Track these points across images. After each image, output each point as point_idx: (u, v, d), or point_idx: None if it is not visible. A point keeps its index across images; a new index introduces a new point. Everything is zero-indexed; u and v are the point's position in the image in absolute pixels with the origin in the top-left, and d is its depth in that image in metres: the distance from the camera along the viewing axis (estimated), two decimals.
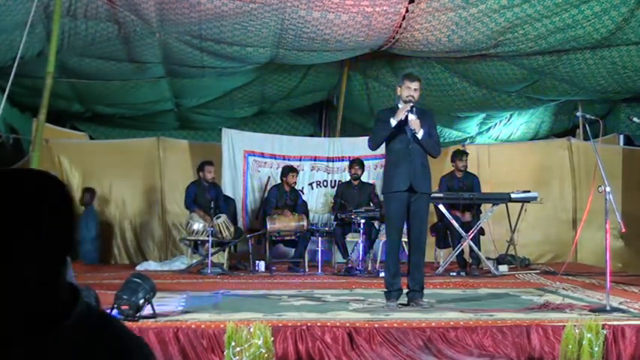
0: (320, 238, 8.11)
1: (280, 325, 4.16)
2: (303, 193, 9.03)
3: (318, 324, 4.20)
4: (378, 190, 8.42)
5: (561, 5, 6.42)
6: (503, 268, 7.84)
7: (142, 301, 4.36)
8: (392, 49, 7.77)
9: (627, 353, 4.16)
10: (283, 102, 10.68)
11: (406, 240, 5.77)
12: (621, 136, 9.72)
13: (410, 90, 5.22)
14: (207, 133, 11.31)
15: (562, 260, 7.97)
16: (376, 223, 7.92)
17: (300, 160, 9.35)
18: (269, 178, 9.07)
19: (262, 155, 9.29)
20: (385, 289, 5.25)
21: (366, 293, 5.93)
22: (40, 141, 6.04)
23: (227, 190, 8.71)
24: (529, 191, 7.88)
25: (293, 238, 8.06)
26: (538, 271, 7.85)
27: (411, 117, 5.20)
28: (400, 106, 5.27)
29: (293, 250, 8.24)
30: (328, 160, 9.51)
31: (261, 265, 7.98)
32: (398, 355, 4.07)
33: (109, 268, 8.39)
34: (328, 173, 9.51)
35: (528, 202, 7.88)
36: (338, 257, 8.41)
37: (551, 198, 8.94)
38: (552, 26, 6.78)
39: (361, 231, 7.62)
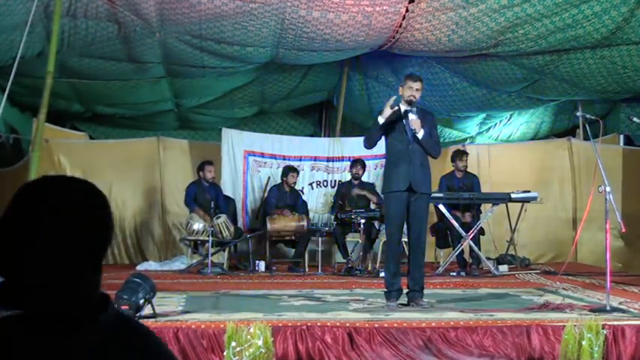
0: (320, 238, 8.10)
1: (280, 325, 4.16)
2: (303, 193, 9.04)
3: (318, 324, 4.20)
4: (378, 190, 8.42)
5: (561, 5, 6.42)
6: (504, 268, 7.84)
7: (142, 301, 4.36)
8: (392, 49, 7.77)
9: (627, 353, 4.16)
10: (283, 102, 10.67)
11: (406, 240, 5.78)
12: (621, 136, 9.71)
13: (412, 90, 5.24)
14: (207, 133, 11.30)
15: (562, 260, 7.97)
16: (376, 223, 7.92)
17: (300, 160, 9.35)
18: (269, 178, 9.07)
19: (262, 155, 9.29)
20: (385, 289, 5.25)
21: (366, 293, 5.93)
22: (40, 141, 6.04)
23: (227, 190, 8.71)
24: (529, 191, 7.88)
25: (293, 238, 8.06)
26: (538, 271, 7.85)
27: (412, 117, 5.21)
28: (401, 106, 5.28)
29: (293, 250, 8.24)
30: (328, 160, 9.51)
31: (261, 265, 7.98)
32: (398, 355, 4.07)
33: (109, 268, 8.39)
34: (328, 173, 9.51)
35: (528, 202, 7.88)
36: (338, 257, 8.41)
37: (551, 198, 8.94)
38: (552, 26, 6.77)
39: (361, 231, 7.62)
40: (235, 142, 9.13)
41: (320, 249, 8.04)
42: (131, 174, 9.14)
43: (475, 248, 7.62)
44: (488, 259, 7.94)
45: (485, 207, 8.20)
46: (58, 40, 6.09)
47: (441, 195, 7.63)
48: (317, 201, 9.36)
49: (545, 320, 4.38)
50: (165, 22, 6.86)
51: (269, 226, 7.83)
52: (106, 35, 7.11)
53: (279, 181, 8.63)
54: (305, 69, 9.58)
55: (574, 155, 9.31)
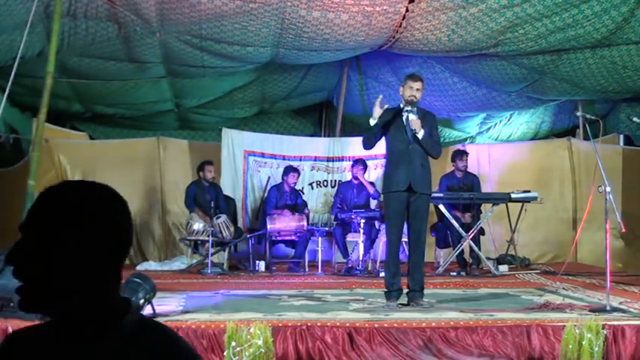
0: (320, 238, 8.11)
1: (280, 325, 4.16)
2: (303, 193, 9.04)
3: (318, 324, 4.20)
4: (379, 189, 8.42)
5: (561, 5, 6.42)
6: (504, 268, 7.84)
7: (142, 301, 4.36)
8: (392, 49, 7.77)
9: (627, 353, 4.16)
10: (283, 102, 10.67)
11: (406, 240, 5.78)
12: (621, 136, 9.71)
13: (412, 90, 5.24)
14: (207, 133, 11.30)
15: (562, 260, 7.97)
16: (376, 223, 7.92)
17: (300, 160, 9.35)
18: (269, 178, 9.07)
19: (262, 155, 9.29)
20: (385, 289, 5.25)
21: (366, 293, 5.93)
22: (40, 141, 6.03)
23: (227, 190, 8.71)
24: (529, 191, 7.88)
25: (293, 238, 8.06)
26: (538, 271, 7.85)
27: (412, 117, 5.21)
28: (402, 106, 5.28)
29: (293, 250, 8.24)
30: (328, 160, 9.51)
31: (261, 265, 7.98)
32: (398, 355, 4.07)
33: None
34: (328, 173, 9.51)
35: (528, 202, 7.88)
36: (338, 257, 8.42)
37: (551, 198, 8.94)
38: (552, 26, 6.77)
39: (361, 231, 7.62)
40: (235, 142, 9.13)
41: (320, 249, 8.04)
42: (131, 174, 9.14)
43: (475, 248, 7.63)
44: (488, 259, 7.94)
45: (486, 207, 8.20)
46: (58, 40, 6.08)
47: (441, 195, 7.63)
48: (317, 201, 9.36)
49: (545, 320, 4.38)
50: (165, 21, 6.86)
51: (269, 226, 7.83)
52: (106, 35, 7.11)
53: (279, 181, 8.63)
54: (305, 69, 9.58)
55: (574, 155, 9.31)
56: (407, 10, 6.57)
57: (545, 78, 8.33)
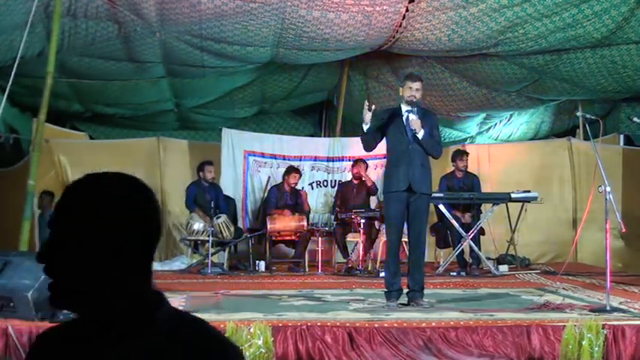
0: (320, 238, 8.10)
1: (280, 325, 4.16)
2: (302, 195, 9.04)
3: (318, 324, 4.20)
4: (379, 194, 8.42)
5: (561, 4, 6.42)
6: (504, 268, 7.84)
7: None
8: (392, 49, 7.77)
9: (627, 353, 4.15)
10: (283, 102, 10.67)
11: (406, 240, 5.78)
12: (621, 136, 9.70)
13: (411, 90, 5.23)
14: (207, 133, 11.31)
15: (562, 260, 7.96)
16: (376, 223, 7.92)
17: (300, 160, 9.35)
18: (269, 178, 9.07)
19: (262, 155, 9.29)
20: (385, 289, 5.25)
21: (366, 293, 5.93)
22: (40, 141, 6.03)
23: (227, 190, 8.70)
24: (529, 191, 7.88)
25: (293, 238, 8.05)
26: (538, 271, 7.84)
27: (412, 117, 5.21)
28: (402, 106, 5.28)
29: (293, 250, 8.24)
30: (328, 160, 9.51)
31: (261, 265, 7.98)
32: (398, 355, 4.07)
33: None
34: (328, 173, 9.51)
35: (528, 202, 7.88)
36: (338, 257, 8.41)
37: (551, 198, 8.94)
38: (552, 25, 6.77)
39: (361, 231, 7.62)
40: (235, 142, 9.13)
41: (320, 249, 8.04)
42: (131, 174, 9.13)
43: (475, 248, 7.62)
44: (489, 259, 7.94)
45: (486, 207, 8.20)
46: (58, 40, 6.09)
47: (441, 195, 7.63)
48: (317, 201, 9.36)
49: (545, 320, 4.38)
50: (166, 21, 6.86)
51: (269, 226, 7.83)
52: (106, 35, 7.11)
53: (279, 181, 8.63)
54: (305, 69, 9.59)
55: (574, 155, 9.31)
56: (407, 10, 6.57)
57: (545, 78, 8.33)
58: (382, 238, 7.63)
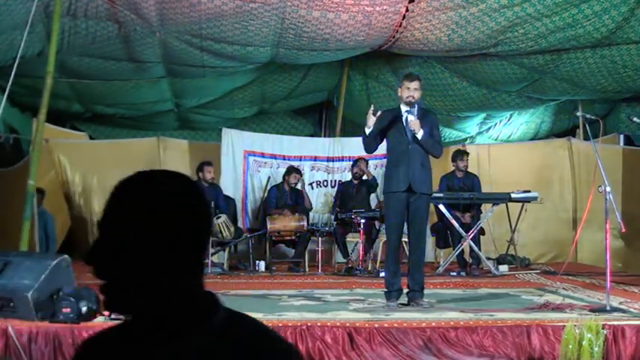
0: (320, 238, 8.10)
1: (280, 325, 4.16)
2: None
3: (318, 324, 4.20)
4: (379, 189, 8.43)
5: (561, 4, 6.42)
6: (504, 268, 7.84)
7: None
8: (392, 49, 7.77)
9: (627, 353, 4.15)
10: (283, 102, 10.67)
11: (406, 240, 5.78)
12: (621, 136, 9.70)
13: (409, 90, 5.21)
14: (207, 133, 11.31)
15: (562, 260, 7.96)
16: (376, 223, 7.92)
17: (300, 160, 9.35)
18: (269, 178, 9.07)
19: (262, 155, 9.29)
20: (385, 289, 5.24)
21: (366, 293, 5.93)
22: (40, 141, 6.03)
23: (227, 190, 8.70)
24: (529, 191, 7.88)
25: (293, 238, 8.05)
26: (538, 271, 7.84)
27: (411, 118, 5.20)
28: (402, 107, 5.28)
29: (293, 250, 8.24)
30: (328, 160, 9.51)
31: (261, 265, 7.98)
32: (398, 355, 4.07)
33: None
34: (328, 173, 9.51)
35: (528, 202, 7.88)
36: (338, 257, 8.41)
37: (551, 198, 8.94)
38: (552, 25, 6.77)
39: (361, 231, 7.62)
40: (235, 142, 9.13)
41: (320, 249, 8.04)
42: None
43: (475, 248, 7.62)
44: (489, 259, 7.94)
45: (486, 207, 8.20)
46: (58, 40, 6.08)
47: (441, 195, 7.63)
48: (317, 201, 9.36)
49: (545, 320, 4.38)
50: (165, 21, 6.86)
51: (269, 226, 7.83)
52: (106, 35, 7.11)
53: (279, 181, 8.63)
54: (305, 69, 9.59)
55: (574, 155, 9.31)
56: (407, 10, 6.57)
57: (545, 78, 8.33)
58: (382, 238, 7.63)
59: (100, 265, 1.14)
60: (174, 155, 9.38)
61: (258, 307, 5.04)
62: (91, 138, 10.40)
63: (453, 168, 8.21)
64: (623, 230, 5.01)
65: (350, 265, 7.72)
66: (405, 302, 5.20)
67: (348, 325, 4.21)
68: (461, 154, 8.18)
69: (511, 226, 8.18)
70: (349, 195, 8.45)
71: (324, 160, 9.51)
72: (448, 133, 11.15)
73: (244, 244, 8.32)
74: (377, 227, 7.93)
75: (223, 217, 7.83)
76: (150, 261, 1.11)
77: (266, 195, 8.74)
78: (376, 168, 9.20)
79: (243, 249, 8.48)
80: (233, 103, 10.33)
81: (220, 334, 1.13)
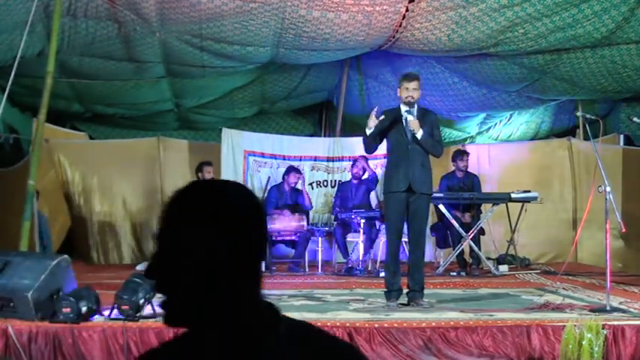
0: (320, 238, 8.10)
1: None
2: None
3: (318, 324, 4.19)
4: (379, 189, 8.42)
5: (561, 4, 6.42)
6: (504, 268, 7.84)
7: (142, 301, 4.36)
8: (392, 49, 7.77)
9: (627, 353, 4.16)
10: (283, 102, 10.67)
11: (406, 240, 5.78)
12: (621, 136, 9.70)
13: (408, 90, 5.22)
14: (207, 133, 11.30)
15: (562, 260, 7.97)
16: (376, 223, 7.92)
17: (300, 160, 9.35)
18: (269, 178, 9.07)
19: (262, 155, 9.29)
20: (385, 289, 5.24)
21: (366, 293, 5.93)
22: (40, 141, 6.02)
23: None
24: (529, 191, 7.88)
25: (293, 238, 8.06)
26: (538, 271, 7.85)
27: (410, 118, 5.21)
28: (401, 107, 5.28)
29: (293, 250, 8.24)
30: (328, 160, 9.51)
31: (261, 265, 7.96)
32: (398, 355, 4.06)
33: (109, 268, 8.39)
34: (328, 173, 9.51)
35: (528, 202, 7.88)
36: (338, 257, 8.41)
37: (551, 198, 8.94)
38: (552, 25, 6.77)
39: (361, 231, 7.62)
40: (235, 142, 9.13)
41: (320, 249, 8.04)
42: (131, 174, 9.14)
43: (475, 248, 7.63)
44: (489, 259, 7.94)
45: (486, 207, 8.20)
46: (58, 40, 6.08)
47: (441, 195, 7.63)
48: (317, 201, 9.36)
49: (545, 320, 4.38)
50: (165, 21, 6.86)
51: (269, 226, 7.83)
52: (106, 35, 7.10)
53: (279, 181, 8.63)
54: (305, 69, 9.58)
55: (574, 155, 9.31)
56: (407, 10, 6.56)
57: (545, 78, 8.33)
58: (382, 238, 7.63)
59: (162, 279, 1.10)
60: (174, 155, 9.38)
61: None
62: (91, 138, 10.40)
63: (453, 168, 8.22)
64: (623, 230, 5.02)
65: (350, 265, 7.72)
66: (405, 302, 5.20)
67: (348, 325, 4.21)
68: (461, 154, 8.18)
69: (511, 226, 8.18)
70: (349, 195, 8.45)
71: (324, 160, 9.51)
72: (448, 133, 11.15)
73: None
74: (377, 227, 7.93)
75: None
76: (213, 272, 1.07)
77: (266, 195, 8.74)
78: (376, 168, 9.20)
79: None
80: (233, 103, 10.33)
81: (287, 340, 1.11)
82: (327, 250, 8.46)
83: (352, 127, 10.79)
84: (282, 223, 7.91)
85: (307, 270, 7.93)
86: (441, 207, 7.66)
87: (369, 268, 7.66)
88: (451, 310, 4.93)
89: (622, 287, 6.24)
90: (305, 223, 7.94)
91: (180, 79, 8.93)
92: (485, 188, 8.39)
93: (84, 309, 4.23)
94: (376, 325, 4.21)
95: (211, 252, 1.07)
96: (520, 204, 7.95)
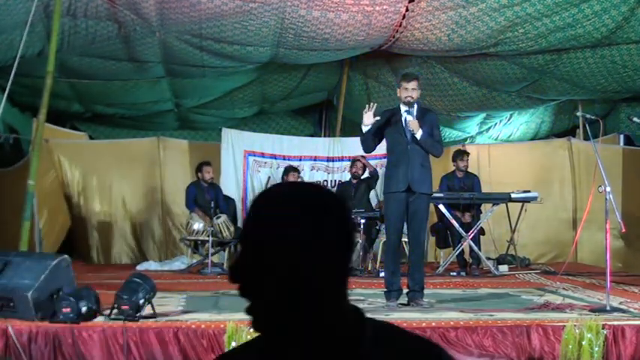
0: None
1: None
2: None
3: None
4: (378, 188, 8.42)
5: (561, 4, 6.42)
6: (504, 268, 7.84)
7: (142, 301, 4.36)
8: (392, 49, 7.77)
9: (627, 353, 4.16)
10: (283, 102, 10.67)
11: (406, 240, 5.77)
12: (621, 136, 9.70)
13: (407, 91, 5.21)
14: (207, 133, 11.30)
15: (562, 260, 7.97)
16: (377, 223, 7.91)
17: (300, 160, 9.35)
18: (269, 178, 9.07)
19: (262, 155, 9.29)
20: (385, 289, 5.24)
21: (366, 293, 5.93)
22: (40, 141, 6.03)
23: (227, 190, 8.70)
24: (529, 191, 7.88)
25: None
26: (538, 271, 7.84)
27: (409, 118, 5.20)
28: (401, 107, 5.27)
29: None
30: (328, 160, 9.51)
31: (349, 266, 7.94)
32: None
33: (109, 268, 8.39)
34: (328, 173, 9.50)
35: (528, 202, 7.88)
36: None
37: (551, 198, 8.94)
38: (552, 25, 6.77)
39: (361, 231, 7.62)
40: (235, 142, 9.13)
41: None
42: (131, 174, 9.14)
43: (475, 248, 7.62)
44: (489, 259, 7.94)
45: (486, 207, 8.20)
46: (58, 40, 6.08)
47: (441, 195, 7.63)
48: None
49: (545, 320, 4.38)
50: (165, 21, 6.86)
51: None
52: (106, 35, 7.10)
53: (279, 181, 8.63)
54: (305, 69, 9.58)
55: (574, 155, 9.31)
56: (407, 10, 6.56)
57: (545, 78, 8.33)
58: (382, 238, 7.62)
59: (246, 283, 1.08)
60: (174, 155, 9.38)
61: None
62: (91, 138, 10.39)
63: (453, 168, 8.22)
64: (623, 230, 5.02)
65: (350, 265, 7.71)
66: (405, 302, 5.19)
67: None
68: (461, 154, 8.18)
69: (511, 226, 8.18)
70: (349, 195, 8.44)
71: (324, 160, 9.51)
72: (448, 133, 11.15)
73: None
74: (377, 227, 7.92)
75: (223, 217, 7.83)
76: (301, 275, 1.05)
77: None
78: (377, 168, 9.20)
79: None
80: (233, 103, 10.33)
81: (371, 342, 1.09)
82: None
83: (352, 127, 10.77)
84: None
85: None
86: (441, 207, 7.66)
87: (369, 268, 7.65)
88: (451, 310, 4.93)
89: (622, 287, 6.23)
90: None
91: (180, 79, 8.93)
92: (485, 188, 8.39)
93: (84, 309, 4.23)
94: None
95: (298, 255, 1.05)
96: (520, 204, 7.95)
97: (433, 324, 4.28)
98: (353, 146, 9.17)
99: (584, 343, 4.05)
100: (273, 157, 9.32)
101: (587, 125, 5.46)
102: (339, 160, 9.50)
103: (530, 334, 4.20)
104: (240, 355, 1.16)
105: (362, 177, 8.52)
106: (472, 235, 7.53)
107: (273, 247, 1.04)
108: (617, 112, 9.88)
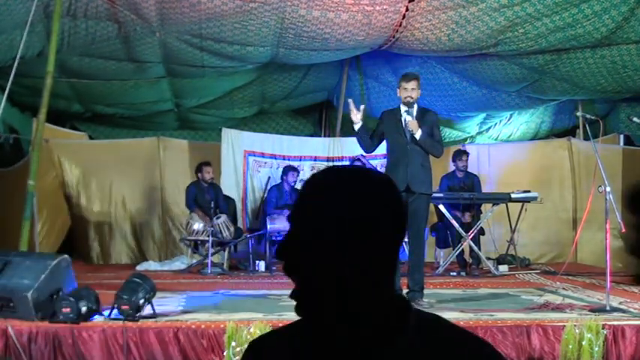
0: None
1: (280, 325, 4.15)
2: None
3: None
4: None
5: (561, 4, 6.42)
6: (504, 268, 7.84)
7: (142, 301, 4.36)
8: (392, 49, 7.77)
9: (627, 353, 4.16)
10: (283, 102, 10.67)
11: (406, 240, 5.77)
12: (621, 136, 9.70)
13: (407, 91, 5.22)
14: (207, 133, 11.31)
15: (562, 260, 7.97)
16: None
17: (300, 160, 9.35)
18: (269, 178, 9.07)
19: (262, 155, 9.29)
20: None
21: None
22: (40, 141, 6.02)
23: (227, 190, 8.70)
24: (529, 191, 7.88)
25: None
26: (538, 271, 7.85)
27: (409, 118, 5.21)
28: (401, 107, 5.28)
29: None
30: (328, 160, 9.52)
31: (261, 265, 7.97)
32: None
33: (109, 268, 8.39)
34: None
35: (528, 202, 7.88)
36: None
37: (551, 198, 8.94)
38: (552, 25, 6.77)
39: None
40: (235, 142, 9.13)
41: None
42: (131, 174, 9.14)
43: (475, 248, 7.63)
44: (489, 259, 7.94)
45: (486, 207, 8.20)
46: (58, 40, 6.08)
47: (441, 195, 7.63)
48: None
49: (545, 320, 4.38)
50: (165, 21, 6.86)
51: (269, 226, 7.82)
52: (106, 35, 7.10)
53: (279, 181, 8.63)
54: (305, 69, 9.58)
55: (574, 155, 9.31)
56: (407, 10, 6.56)
57: (545, 78, 8.33)
58: None
59: (291, 260, 1.07)
60: (174, 155, 9.38)
61: (258, 307, 5.04)
62: (91, 138, 10.40)
63: (453, 168, 8.22)
64: (623, 230, 5.02)
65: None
66: None
67: None
68: (461, 154, 8.18)
69: (511, 226, 8.18)
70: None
71: (324, 160, 9.51)
72: (448, 133, 11.15)
73: (244, 244, 8.32)
74: None
75: (223, 217, 7.84)
76: (348, 257, 1.02)
77: (266, 195, 8.73)
78: (376, 168, 9.21)
79: (243, 249, 8.48)
80: (233, 103, 10.33)
81: (416, 330, 1.08)
82: None
83: (352, 127, 10.76)
84: (282, 223, 7.90)
85: None
86: (441, 207, 7.66)
87: None
88: (451, 310, 4.93)
89: (622, 287, 6.24)
90: None
91: (180, 79, 8.93)
92: (485, 188, 8.39)
93: (84, 309, 4.23)
94: None
95: (347, 236, 1.03)
96: (520, 204, 7.95)
97: None
98: (353, 146, 9.17)
99: (584, 343, 4.05)
100: (273, 157, 9.33)
101: (587, 125, 5.45)
102: (339, 160, 9.50)
103: (530, 334, 4.20)
104: (271, 340, 1.15)
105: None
106: (472, 235, 7.54)
107: (324, 223, 1.03)
108: (617, 112, 9.88)
